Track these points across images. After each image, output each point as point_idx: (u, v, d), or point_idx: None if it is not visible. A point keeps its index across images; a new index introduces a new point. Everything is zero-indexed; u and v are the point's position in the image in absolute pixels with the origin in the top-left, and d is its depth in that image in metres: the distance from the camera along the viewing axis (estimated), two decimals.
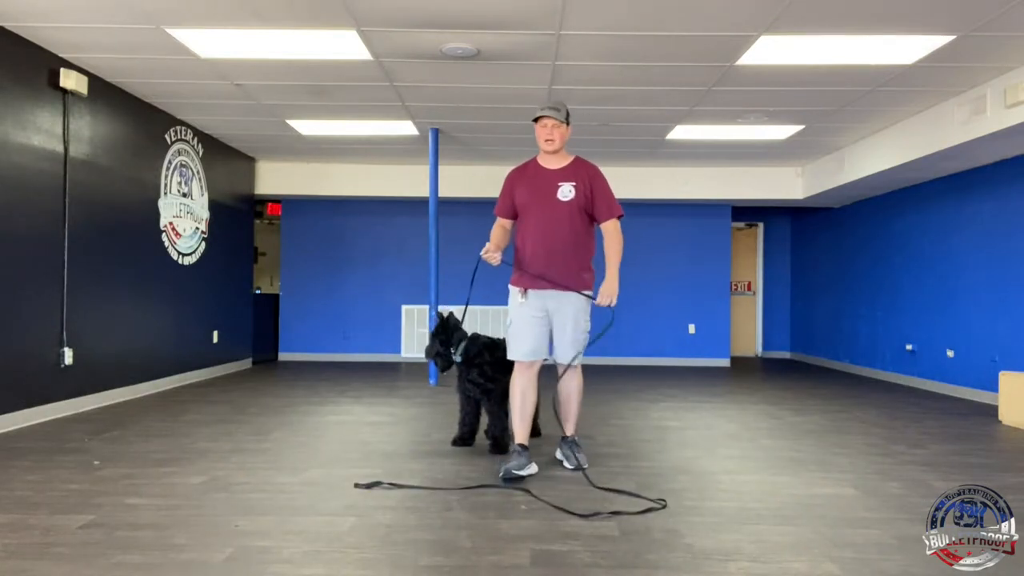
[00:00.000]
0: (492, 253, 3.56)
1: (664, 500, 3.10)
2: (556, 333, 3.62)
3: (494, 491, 3.26)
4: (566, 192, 3.56)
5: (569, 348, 3.61)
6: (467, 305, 4.28)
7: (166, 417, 5.09)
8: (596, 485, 3.34)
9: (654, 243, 9.58)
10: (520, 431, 3.60)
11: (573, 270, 3.57)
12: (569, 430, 3.77)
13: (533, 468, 3.52)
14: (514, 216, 3.74)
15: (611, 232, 3.63)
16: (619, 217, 3.65)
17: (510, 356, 3.69)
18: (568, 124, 3.61)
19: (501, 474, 3.40)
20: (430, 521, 2.84)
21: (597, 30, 4.44)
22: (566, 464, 3.68)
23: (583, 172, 3.62)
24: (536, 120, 3.59)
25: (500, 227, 3.75)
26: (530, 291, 3.59)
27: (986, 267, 6.50)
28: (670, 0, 4.00)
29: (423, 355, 4.38)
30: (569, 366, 3.63)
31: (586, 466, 3.61)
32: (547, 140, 3.58)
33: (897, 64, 4.96)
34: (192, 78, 5.49)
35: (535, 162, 3.72)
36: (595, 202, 3.60)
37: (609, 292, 3.55)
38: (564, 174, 3.61)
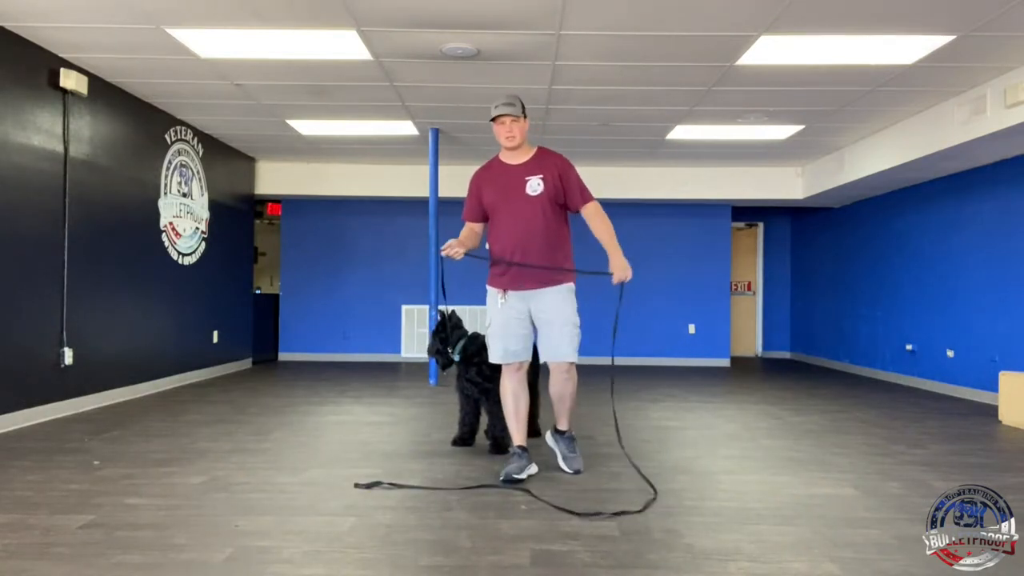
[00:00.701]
0: (455, 248, 3.40)
1: (655, 488, 3.09)
2: (542, 332, 3.50)
3: (494, 491, 3.25)
4: (535, 186, 3.44)
5: (557, 345, 3.46)
6: (451, 309, 4.19)
7: (166, 417, 5.09)
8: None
9: (654, 243, 9.57)
10: (517, 433, 3.57)
11: (551, 263, 3.45)
12: (562, 424, 3.67)
13: (533, 468, 3.51)
14: (484, 219, 3.62)
15: (594, 214, 3.52)
16: (593, 201, 3.54)
17: (492, 359, 3.59)
18: (525, 116, 3.49)
19: (501, 477, 3.39)
20: (430, 521, 2.84)
21: (597, 30, 4.44)
22: (563, 466, 3.60)
23: (550, 163, 3.50)
24: (493, 119, 3.48)
25: (469, 230, 3.63)
26: (510, 292, 3.49)
27: (986, 267, 6.50)
28: (670, 0, 4.01)
29: (425, 353, 4.34)
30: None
31: (581, 470, 3.56)
32: (508, 137, 3.46)
33: (897, 64, 4.96)
34: (192, 78, 5.49)
35: (498, 160, 3.61)
36: (567, 192, 3.49)
37: (620, 267, 3.42)
38: (530, 168, 3.49)
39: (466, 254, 3.51)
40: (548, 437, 3.78)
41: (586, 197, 3.53)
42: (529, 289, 3.46)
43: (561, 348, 3.46)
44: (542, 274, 3.43)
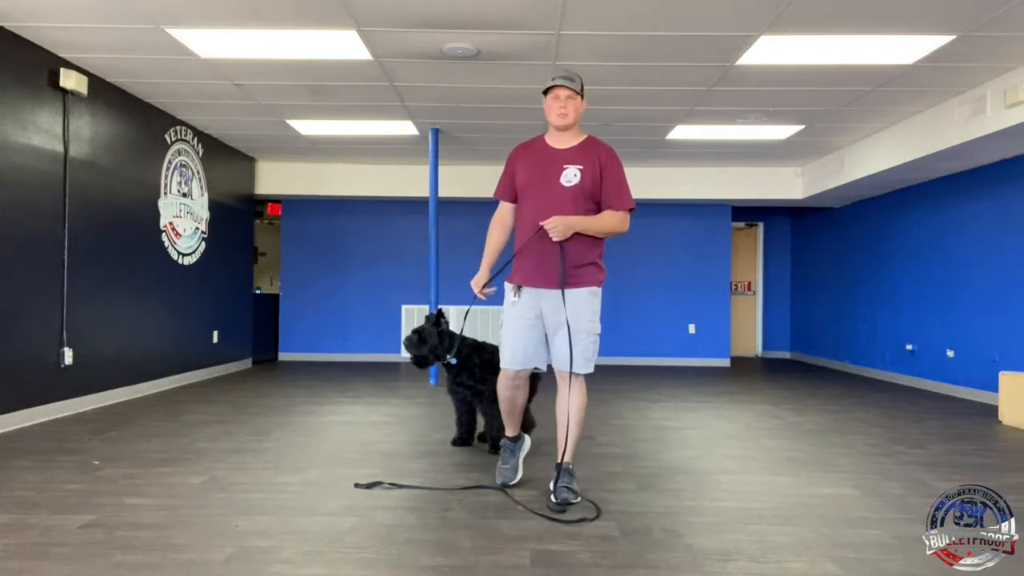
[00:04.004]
0: (482, 287, 3.25)
1: (598, 507, 3.01)
2: (553, 337, 3.14)
3: (494, 491, 3.25)
4: (571, 176, 3.09)
5: (564, 354, 3.08)
6: (461, 334, 4.03)
7: (166, 417, 5.09)
8: (549, 516, 3.05)
9: (654, 243, 9.58)
10: (509, 425, 3.41)
11: (573, 266, 3.09)
12: (564, 455, 3.18)
13: (526, 446, 3.48)
14: (515, 199, 3.28)
15: (614, 215, 3.12)
16: (630, 211, 3.15)
17: (502, 364, 3.27)
18: (583, 96, 3.16)
19: (499, 482, 3.33)
20: (430, 521, 2.84)
21: (597, 30, 4.44)
22: (552, 497, 3.07)
23: (594, 154, 3.14)
24: (547, 92, 3.12)
25: (499, 222, 3.33)
26: (524, 288, 3.15)
27: (986, 267, 6.50)
28: (670, 0, 4.00)
29: (407, 351, 4.13)
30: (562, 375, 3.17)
31: (575, 501, 3.04)
32: (560, 114, 3.10)
33: (897, 64, 4.96)
34: (192, 78, 5.49)
35: (542, 139, 3.26)
36: (603, 187, 3.11)
37: (560, 224, 3.01)
38: (573, 155, 3.14)
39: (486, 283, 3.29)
40: (551, 483, 3.20)
41: (623, 203, 3.12)
42: (543, 288, 3.12)
43: (565, 360, 3.10)
44: (558, 273, 3.08)
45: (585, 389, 3.20)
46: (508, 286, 3.25)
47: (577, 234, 3.08)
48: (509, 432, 3.46)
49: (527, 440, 3.54)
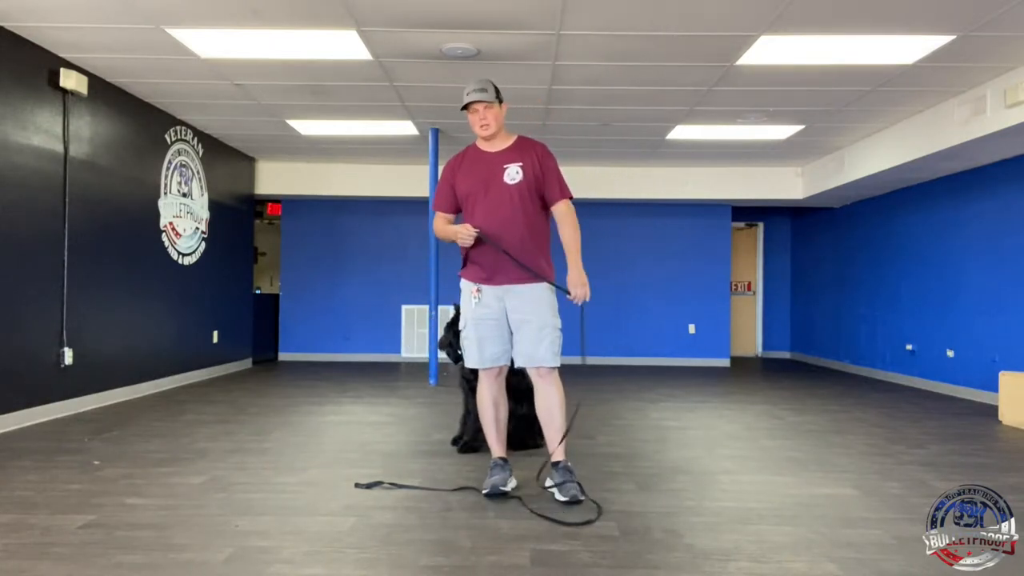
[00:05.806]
0: (463, 233, 3.15)
1: (599, 507, 3.01)
2: (518, 333, 3.21)
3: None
4: (513, 174, 3.20)
5: (536, 349, 3.17)
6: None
7: (166, 417, 5.09)
8: (550, 516, 3.10)
9: (654, 243, 9.59)
10: (497, 444, 3.33)
11: (530, 259, 3.18)
12: (557, 454, 3.24)
13: (514, 482, 3.30)
14: (456, 210, 3.35)
15: (565, 214, 3.26)
16: (569, 199, 3.29)
17: (468, 364, 3.35)
18: (501, 101, 3.24)
19: (485, 491, 3.17)
20: (430, 521, 2.84)
21: (597, 30, 4.44)
22: (558, 496, 3.12)
23: (530, 151, 3.26)
24: (465, 107, 3.21)
25: (443, 220, 3.36)
26: (484, 287, 3.23)
27: (986, 267, 6.50)
28: (670, 0, 4.00)
29: (437, 348, 4.30)
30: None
31: (583, 498, 3.09)
32: (482, 126, 3.21)
33: (897, 64, 4.96)
34: (192, 78, 5.49)
35: (474, 147, 3.34)
36: (546, 181, 3.23)
37: (580, 283, 3.17)
38: (509, 155, 3.25)
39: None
40: (547, 480, 3.28)
41: (564, 192, 3.28)
42: (504, 284, 3.21)
43: (538, 352, 3.17)
44: (519, 269, 3.17)
45: (559, 380, 3.26)
46: (466, 284, 3.31)
47: (527, 233, 3.19)
48: (497, 452, 3.34)
49: (513, 479, 3.32)
